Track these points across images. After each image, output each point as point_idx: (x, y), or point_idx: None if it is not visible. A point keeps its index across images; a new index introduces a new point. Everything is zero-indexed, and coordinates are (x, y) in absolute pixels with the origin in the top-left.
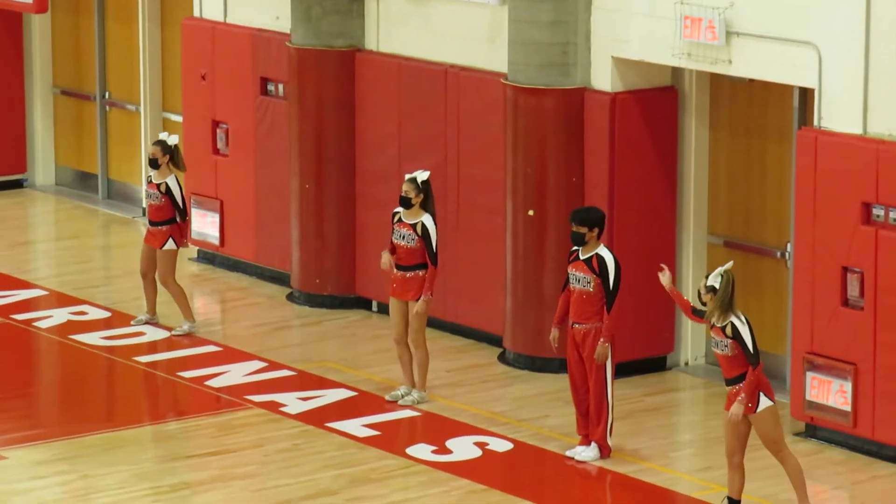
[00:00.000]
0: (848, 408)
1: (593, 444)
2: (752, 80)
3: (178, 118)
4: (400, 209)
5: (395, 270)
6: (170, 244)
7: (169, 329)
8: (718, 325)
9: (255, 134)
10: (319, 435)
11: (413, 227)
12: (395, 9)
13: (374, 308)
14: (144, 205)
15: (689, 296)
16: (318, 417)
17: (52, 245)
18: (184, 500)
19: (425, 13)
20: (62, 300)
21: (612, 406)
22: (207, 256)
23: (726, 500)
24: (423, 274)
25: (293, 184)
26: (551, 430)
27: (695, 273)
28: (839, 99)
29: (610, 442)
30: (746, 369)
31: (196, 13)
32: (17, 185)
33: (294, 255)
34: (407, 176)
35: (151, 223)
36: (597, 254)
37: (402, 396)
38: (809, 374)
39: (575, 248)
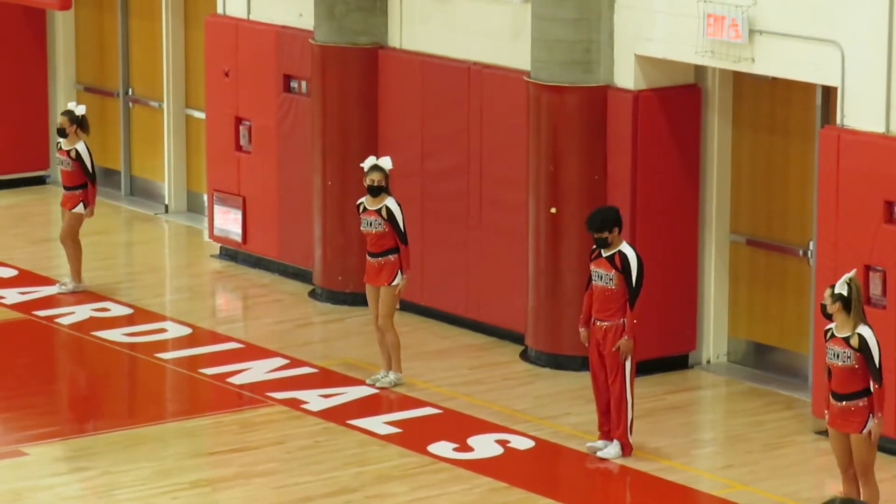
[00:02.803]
0: None
1: (615, 441)
2: (775, 79)
3: (201, 115)
4: (363, 199)
5: (368, 258)
6: (79, 208)
7: (101, 296)
8: (842, 336)
9: (278, 131)
10: (341, 432)
11: (378, 212)
12: (418, 6)
13: (396, 306)
14: (59, 172)
15: (708, 293)
16: (339, 415)
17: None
18: (205, 497)
19: (448, 10)
20: (84, 297)
21: (633, 404)
22: (230, 253)
23: None
24: (394, 258)
25: (316, 181)
26: (573, 428)
27: (717, 271)
28: (862, 97)
29: (631, 440)
30: (865, 385)
31: (219, 10)
32: (40, 181)
33: (316, 252)
34: (369, 164)
35: (65, 188)
36: (619, 250)
37: (381, 379)
38: None
39: (596, 248)
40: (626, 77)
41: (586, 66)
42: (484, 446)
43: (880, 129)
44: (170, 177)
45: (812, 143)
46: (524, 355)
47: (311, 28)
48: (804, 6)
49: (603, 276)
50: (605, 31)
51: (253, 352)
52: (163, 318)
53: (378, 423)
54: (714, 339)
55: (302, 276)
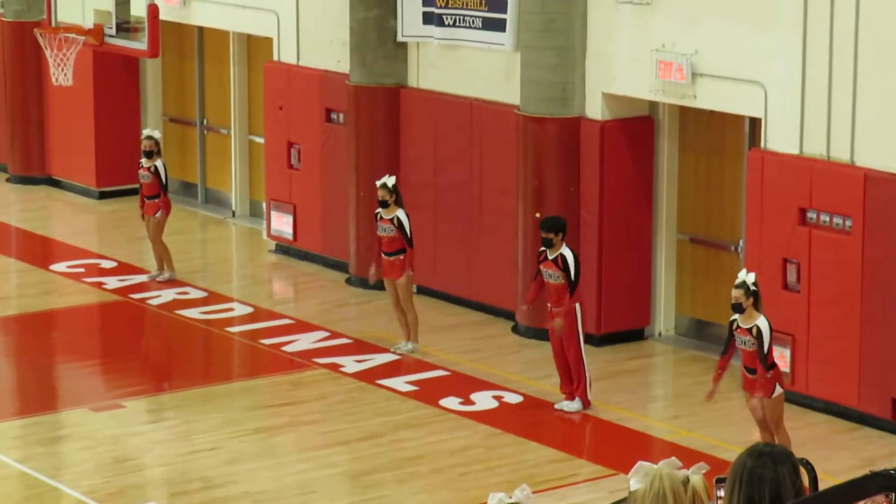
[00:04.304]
0: (787, 369)
1: (576, 398)
2: (712, 111)
3: (260, 140)
4: (379, 209)
5: (382, 256)
6: (159, 214)
7: (182, 282)
8: (746, 327)
9: (321, 153)
10: (371, 390)
11: (391, 220)
12: (431, 54)
13: (414, 290)
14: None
15: (659, 279)
16: (369, 376)
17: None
18: (264, 441)
19: (455, 57)
20: (169, 283)
21: (587, 366)
22: (283, 249)
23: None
24: (402, 257)
25: (351, 192)
26: (553, 387)
27: (666, 262)
28: (781, 126)
29: (590, 396)
30: (770, 360)
31: (275, 57)
32: (135, 192)
33: (351, 247)
34: (378, 182)
35: (146, 198)
36: (561, 253)
37: (401, 347)
38: None
39: (543, 248)
40: (595, 110)
41: (563, 102)
42: (483, 401)
43: (795, 151)
44: (236, 188)
45: (741, 162)
46: (515, 329)
47: (347, 72)
48: (735, 54)
49: (552, 275)
50: (578, 74)
51: (301, 326)
52: (230, 300)
53: (400, 383)
54: (664, 316)
55: (340, 266)
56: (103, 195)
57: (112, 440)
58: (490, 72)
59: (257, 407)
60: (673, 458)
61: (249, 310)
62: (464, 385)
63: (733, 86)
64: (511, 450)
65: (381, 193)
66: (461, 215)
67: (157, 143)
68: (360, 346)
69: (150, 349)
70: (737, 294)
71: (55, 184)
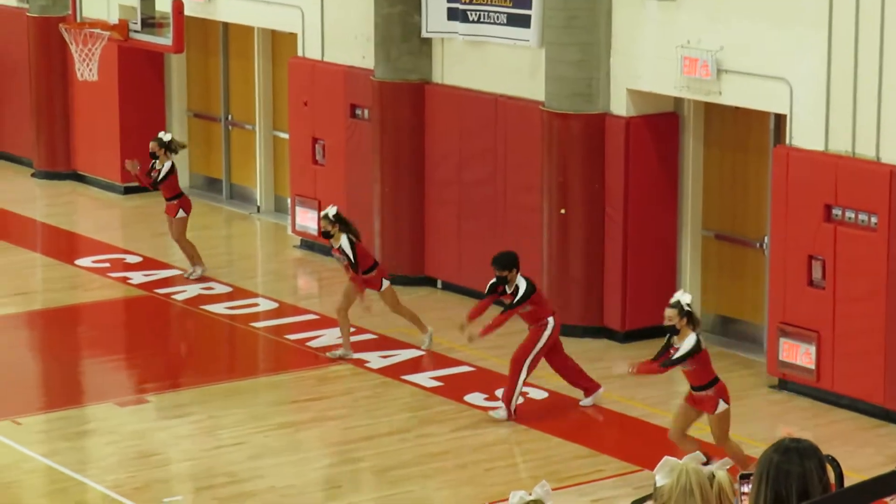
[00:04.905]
0: (812, 366)
1: (502, 406)
2: (737, 108)
3: (285, 135)
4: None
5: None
6: (179, 213)
7: (207, 278)
8: (678, 346)
9: (345, 148)
10: (396, 385)
11: (339, 249)
12: (456, 50)
13: (439, 285)
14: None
15: (685, 276)
16: (394, 371)
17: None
18: (289, 436)
19: (480, 53)
20: (193, 278)
21: (522, 381)
22: (308, 244)
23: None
24: (374, 273)
25: (375, 188)
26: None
27: (692, 258)
28: (806, 123)
29: (513, 407)
30: (710, 378)
31: (300, 53)
32: None
33: (376, 242)
34: (321, 214)
35: (166, 199)
36: (516, 285)
37: (426, 341)
38: (782, 340)
39: (498, 283)
40: (619, 106)
41: (588, 98)
42: None
43: (820, 147)
44: (261, 184)
45: (766, 159)
46: None
47: (372, 67)
48: (760, 50)
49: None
50: (603, 70)
51: (326, 321)
52: (255, 295)
53: (425, 378)
54: None
55: None
56: (128, 190)
57: (137, 435)
58: (515, 68)
59: (282, 402)
60: (697, 452)
61: (274, 305)
62: (489, 381)
63: (758, 82)
64: (536, 446)
65: (322, 224)
66: (486, 211)
67: (161, 143)
68: (384, 342)
69: (176, 344)
70: (669, 314)
71: (80, 179)
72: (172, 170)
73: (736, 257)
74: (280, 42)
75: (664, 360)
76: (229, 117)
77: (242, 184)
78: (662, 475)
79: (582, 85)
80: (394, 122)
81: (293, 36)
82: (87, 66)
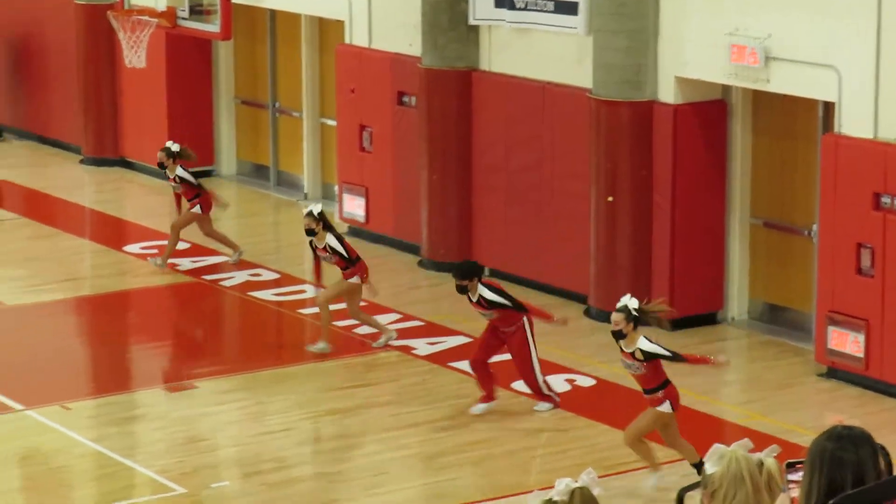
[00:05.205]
0: (861, 354)
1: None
2: (785, 95)
3: (332, 122)
4: (311, 238)
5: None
6: (196, 209)
7: (255, 264)
8: (629, 351)
9: (392, 135)
10: (442, 372)
11: (325, 249)
12: (503, 37)
13: (486, 273)
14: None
15: (733, 264)
16: (441, 358)
17: (233, 222)
18: (336, 422)
19: (527, 40)
20: (242, 265)
21: (541, 376)
22: (355, 231)
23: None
24: (353, 269)
25: (423, 175)
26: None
27: (740, 246)
28: (855, 110)
29: (552, 393)
30: (659, 381)
31: (347, 40)
32: (207, 174)
33: (423, 230)
34: (304, 211)
35: (188, 201)
36: (480, 295)
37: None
38: (831, 328)
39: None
40: (667, 94)
41: (636, 85)
42: (556, 384)
43: (869, 135)
44: (308, 171)
45: (815, 147)
46: (587, 313)
47: (419, 55)
48: (808, 38)
49: (485, 315)
50: (650, 57)
51: (373, 309)
52: (303, 282)
53: None
54: (737, 300)
55: (412, 249)
56: None
57: (185, 420)
58: (562, 55)
59: (329, 388)
60: (746, 439)
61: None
62: None
63: (807, 70)
64: (583, 433)
65: (306, 222)
66: (533, 198)
67: (169, 153)
68: (431, 329)
69: (223, 330)
70: (616, 318)
71: (128, 165)
72: (185, 177)
73: (784, 245)
74: (327, 29)
75: (679, 359)
76: (276, 104)
77: (290, 171)
78: (712, 463)
79: (630, 72)
80: (441, 110)
81: (340, 23)
82: (134, 54)
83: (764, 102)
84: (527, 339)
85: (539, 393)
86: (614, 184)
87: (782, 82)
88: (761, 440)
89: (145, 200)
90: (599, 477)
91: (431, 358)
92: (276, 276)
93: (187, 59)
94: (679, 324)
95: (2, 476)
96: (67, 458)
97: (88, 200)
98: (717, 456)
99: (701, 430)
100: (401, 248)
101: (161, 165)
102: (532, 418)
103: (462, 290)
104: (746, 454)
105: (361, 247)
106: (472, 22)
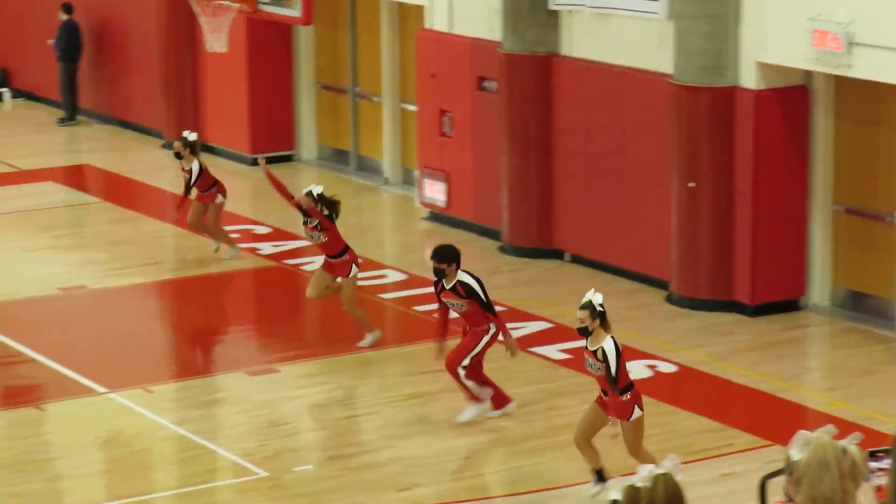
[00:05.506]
0: None
1: (469, 404)
2: (868, 81)
3: (412, 107)
4: (306, 219)
5: (327, 259)
6: (218, 199)
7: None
8: (592, 350)
9: (472, 120)
10: (524, 357)
11: (315, 227)
12: (583, 22)
13: (567, 258)
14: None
15: (815, 250)
16: (523, 343)
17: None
18: (418, 407)
19: (607, 25)
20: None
21: (463, 376)
22: (436, 216)
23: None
24: (346, 258)
25: (503, 160)
26: (708, 356)
27: (822, 233)
28: None
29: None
30: (626, 382)
31: (427, 25)
32: (288, 158)
33: (504, 215)
34: (305, 191)
35: (200, 192)
36: (458, 280)
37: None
38: None
39: (437, 280)
40: (748, 79)
41: (717, 71)
42: (637, 370)
43: None
44: (388, 156)
45: None
46: (668, 299)
47: (500, 40)
48: (891, 23)
49: (455, 305)
50: (731, 43)
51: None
52: (384, 267)
53: (554, 351)
54: (819, 286)
55: (492, 234)
56: (256, 162)
57: (267, 404)
58: (642, 40)
59: (411, 373)
60: (830, 425)
61: (403, 276)
62: None
63: (889, 55)
64: (665, 419)
65: (305, 200)
66: (613, 184)
67: (189, 144)
68: (513, 314)
69: (304, 314)
70: (581, 315)
71: (209, 150)
72: (202, 170)
73: (867, 231)
74: (407, 14)
75: (611, 387)
76: (357, 89)
77: (370, 156)
78: (798, 449)
79: (711, 58)
80: (521, 95)
81: (420, 8)
82: (216, 38)
83: (847, 88)
84: (482, 339)
85: (456, 377)
86: (695, 169)
87: (865, 68)
88: (844, 427)
89: (226, 185)
90: (681, 464)
91: None
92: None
93: (268, 43)
94: (761, 310)
95: (85, 459)
96: (150, 441)
97: (170, 185)
98: (803, 442)
99: (783, 417)
100: (481, 234)
101: (178, 156)
102: None
103: (440, 273)
104: (832, 440)
105: (442, 232)
106: (552, 7)
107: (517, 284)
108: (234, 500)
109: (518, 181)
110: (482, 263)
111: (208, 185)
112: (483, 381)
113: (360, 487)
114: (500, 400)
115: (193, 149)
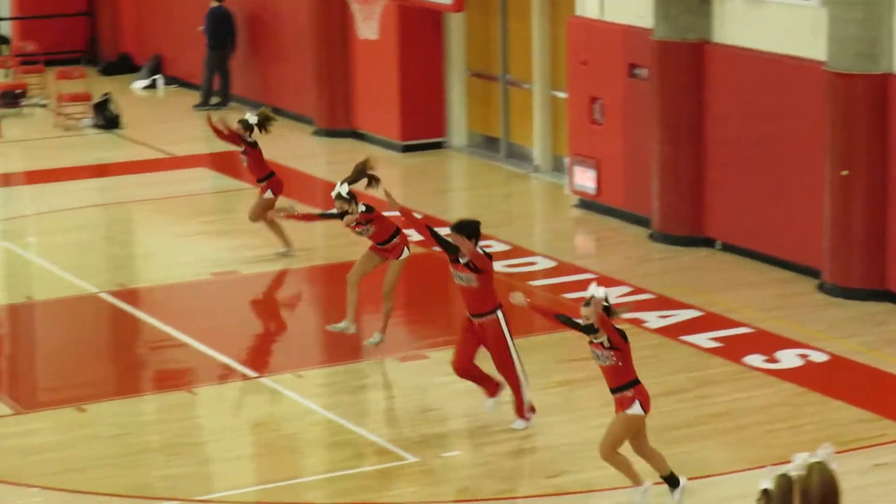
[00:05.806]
0: None
1: (517, 418)
2: None
3: (563, 94)
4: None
5: (377, 247)
6: (268, 194)
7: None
8: (598, 341)
9: (623, 107)
10: (674, 346)
11: (358, 223)
12: (735, 8)
13: (718, 246)
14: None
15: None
16: (672, 332)
17: (464, 193)
18: (567, 394)
19: (759, 12)
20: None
21: (522, 374)
22: (586, 204)
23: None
24: (397, 241)
25: (654, 147)
26: (860, 346)
27: None
28: None
29: (527, 411)
30: (630, 378)
31: (578, 12)
32: (438, 146)
33: (654, 203)
34: (333, 194)
35: (257, 181)
36: (471, 260)
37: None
38: None
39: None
40: None
41: (872, 58)
42: (788, 359)
43: None
44: (538, 143)
45: None
46: (821, 287)
47: (651, 27)
48: None
49: (464, 278)
50: (886, 30)
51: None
52: (533, 254)
53: (704, 339)
54: None
55: (643, 222)
56: (407, 149)
57: (416, 390)
58: (795, 27)
59: (560, 360)
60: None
61: (552, 264)
62: (768, 343)
63: None
64: (816, 409)
65: (338, 206)
66: (766, 171)
67: (250, 127)
68: (663, 302)
69: (453, 301)
70: (586, 313)
71: (360, 137)
72: (256, 145)
73: None
74: (558, 1)
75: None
76: (507, 76)
77: (520, 143)
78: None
79: (865, 44)
80: (673, 82)
81: None
82: (367, 26)
83: None
84: (503, 332)
85: (518, 391)
86: (849, 157)
87: None
88: None
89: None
90: (835, 453)
91: (662, 331)
92: (507, 247)
93: (419, 30)
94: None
95: (236, 442)
96: (300, 426)
97: (321, 171)
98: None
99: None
100: (631, 221)
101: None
102: (764, 393)
103: (455, 248)
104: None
105: (592, 219)
106: None
107: (667, 272)
108: (383, 484)
109: (669, 169)
110: (632, 251)
111: (263, 173)
112: (477, 376)
113: (509, 474)
114: (492, 388)
115: (252, 130)
